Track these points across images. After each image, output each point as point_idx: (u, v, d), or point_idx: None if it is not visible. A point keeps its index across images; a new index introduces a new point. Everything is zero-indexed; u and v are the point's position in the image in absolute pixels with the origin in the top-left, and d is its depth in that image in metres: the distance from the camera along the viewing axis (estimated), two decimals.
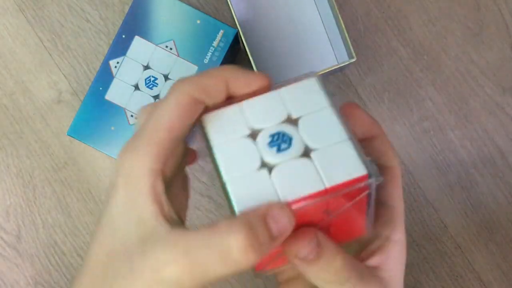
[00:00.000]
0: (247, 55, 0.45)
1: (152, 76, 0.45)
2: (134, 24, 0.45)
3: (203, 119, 0.24)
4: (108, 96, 0.45)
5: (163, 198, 0.23)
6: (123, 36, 0.45)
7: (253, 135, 0.24)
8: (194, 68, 0.45)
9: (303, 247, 0.23)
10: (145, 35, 0.45)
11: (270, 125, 0.24)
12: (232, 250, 0.20)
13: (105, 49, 0.52)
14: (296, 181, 0.22)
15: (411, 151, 0.52)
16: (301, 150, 0.23)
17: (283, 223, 0.21)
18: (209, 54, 0.45)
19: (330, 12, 0.49)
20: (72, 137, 0.45)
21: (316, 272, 0.24)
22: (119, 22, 0.52)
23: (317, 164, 0.22)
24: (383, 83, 0.52)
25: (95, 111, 0.45)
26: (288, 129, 0.23)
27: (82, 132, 0.45)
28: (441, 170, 0.53)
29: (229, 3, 0.45)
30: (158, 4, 0.44)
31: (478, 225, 0.53)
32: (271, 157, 0.22)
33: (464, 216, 0.53)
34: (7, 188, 0.53)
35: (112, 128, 0.45)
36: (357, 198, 0.23)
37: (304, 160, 0.22)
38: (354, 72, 0.52)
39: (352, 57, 0.45)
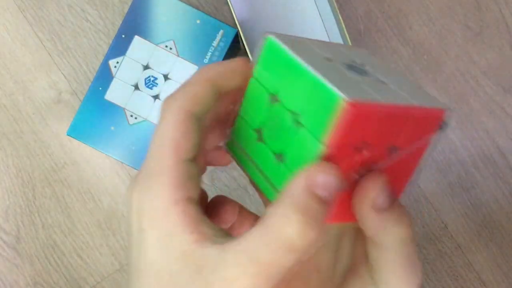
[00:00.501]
0: (247, 55, 0.45)
1: (152, 76, 0.45)
2: (134, 24, 0.45)
3: (271, 38, 0.22)
4: (108, 96, 0.45)
5: (201, 222, 0.21)
6: (123, 36, 0.45)
7: (329, 60, 0.22)
8: (194, 68, 0.45)
9: (378, 195, 0.21)
10: (145, 35, 0.45)
11: (341, 59, 0.22)
12: (293, 240, 0.19)
13: (104, 49, 0.52)
14: (383, 92, 0.20)
15: None
16: (380, 81, 0.22)
17: (332, 185, 0.20)
18: (209, 54, 0.45)
19: (330, 12, 0.49)
20: (71, 137, 0.45)
21: (391, 223, 0.22)
22: (119, 22, 0.52)
23: (403, 95, 0.21)
24: None
25: (95, 111, 0.45)
26: (366, 67, 0.22)
27: (82, 132, 0.45)
28: (441, 170, 0.52)
29: (229, 3, 0.45)
30: (158, 4, 0.44)
31: (478, 225, 0.53)
32: (353, 75, 0.21)
33: (465, 216, 0.53)
34: (7, 188, 0.53)
35: (112, 128, 0.45)
36: (425, 139, 0.22)
37: (391, 86, 0.21)
38: None
39: None
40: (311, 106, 0.19)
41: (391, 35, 0.52)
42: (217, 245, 0.21)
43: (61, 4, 0.52)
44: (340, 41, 0.49)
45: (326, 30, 0.51)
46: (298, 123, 0.20)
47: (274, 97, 0.21)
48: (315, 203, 0.20)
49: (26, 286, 0.53)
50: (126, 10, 0.51)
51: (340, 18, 0.46)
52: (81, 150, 0.52)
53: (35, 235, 0.53)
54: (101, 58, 0.52)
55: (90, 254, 0.53)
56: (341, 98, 0.18)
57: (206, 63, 0.45)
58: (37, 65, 0.52)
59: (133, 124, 0.45)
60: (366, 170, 0.21)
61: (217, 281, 0.20)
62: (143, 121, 0.45)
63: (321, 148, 0.19)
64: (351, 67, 0.21)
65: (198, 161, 0.23)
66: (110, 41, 0.51)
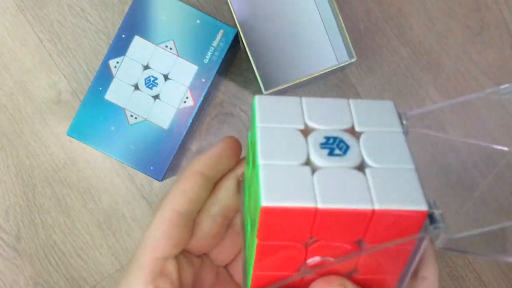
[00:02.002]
0: (247, 55, 0.45)
1: (152, 76, 0.45)
2: (134, 24, 0.45)
3: (256, 98, 0.22)
4: (108, 96, 0.45)
5: None
6: (123, 36, 0.45)
7: (305, 132, 0.21)
8: (194, 68, 0.45)
9: None
10: (145, 35, 0.45)
11: (328, 128, 0.21)
12: None
13: (104, 49, 0.52)
14: (341, 191, 0.19)
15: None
16: (356, 162, 0.20)
17: None
18: (209, 54, 0.45)
19: (330, 12, 0.49)
20: (71, 137, 0.45)
21: None
22: (118, 22, 0.52)
23: (371, 181, 0.19)
24: (383, 83, 0.52)
25: (95, 111, 0.45)
26: (348, 138, 0.21)
27: (82, 132, 0.45)
28: (441, 169, 0.52)
29: (229, 3, 0.45)
30: (158, 4, 0.44)
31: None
32: (319, 158, 0.20)
33: (465, 216, 0.53)
34: (7, 188, 0.53)
35: (112, 128, 0.45)
36: (402, 240, 0.20)
37: (356, 172, 0.20)
38: (354, 72, 0.52)
39: (352, 57, 0.45)
40: (256, 199, 0.20)
41: (391, 35, 0.52)
42: None
43: (61, 4, 0.52)
44: (340, 41, 0.49)
45: (326, 30, 0.51)
46: (254, 175, 0.20)
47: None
48: None
49: (26, 286, 0.53)
50: (126, 10, 0.51)
51: (340, 18, 0.46)
52: (81, 150, 0.52)
53: (35, 235, 0.53)
54: (101, 58, 0.52)
55: (90, 254, 0.53)
56: (262, 202, 0.18)
57: (206, 63, 0.45)
58: (37, 65, 0.52)
59: (133, 124, 0.45)
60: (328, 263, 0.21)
61: None
62: (143, 121, 0.45)
63: (257, 242, 0.20)
64: (331, 142, 0.20)
65: (187, 254, 0.24)
66: (110, 41, 0.50)
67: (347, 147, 0.20)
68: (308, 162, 0.20)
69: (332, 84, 0.52)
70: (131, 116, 0.45)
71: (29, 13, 0.52)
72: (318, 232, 0.19)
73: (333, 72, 0.47)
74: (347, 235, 0.20)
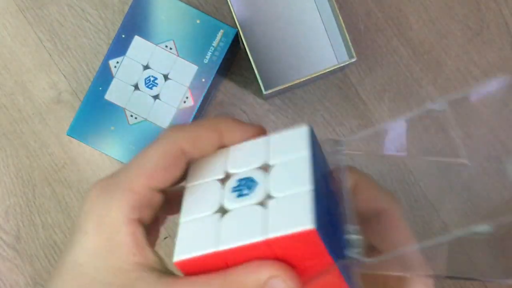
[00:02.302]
0: (247, 55, 0.45)
1: (152, 76, 0.45)
2: (134, 24, 0.45)
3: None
4: (108, 96, 0.45)
5: (147, 248, 0.22)
6: (123, 36, 0.45)
7: (226, 179, 0.22)
8: (194, 68, 0.45)
9: None
10: (144, 35, 0.45)
11: (244, 170, 0.22)
12: None
13: (104, 49, 0.52)
14: (240, 229, 0.20)
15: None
16: (261, 197, 0.21)
17: None
18: (209, 54, 0.45)
19: (330, 12, 0.49)
20: (71, 137, 0.45)
21: None
22: (118, 22, 0.52)
23: (270, 213, 0.20)
24: (383, 83, 0.52)
25: (95, 111, 0.45)
26: (258, 175, 0.22)
27: (82, 132, 0.45)
28: (441, 169, 0.52)
29: (229, 3, 0.45)
30: (157, 4, 0.44)
31: None
32: (229, 202, 0.21)
33: (465, 216, 0.53)
34: (7, 188, 0.53)
35: (112, 128, 0.45)
36: (319, 274, 0.21)
37: (257, 207, 0.20)
38: (354, 72, 0.52)
39: (352, 57, 0.45)
40: None
41: (391, 35, 0.52)
42: (156, 273, 0.21)
43: (61, 4, 0.52)
44: (340, 41, 0.49)
45: (326, 30, 0.51)
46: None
47: None
48: None
49: (26, 286, 0.53)
50: (126, 10, 0.51)
51: (340, 18, 0.46)
52: (81, 150, 0.52)
53: (35, 235, 0.53)
54: (101, 58, 0.52)
55: None
56: (174, 259, 0.20)
57: (206, 63, 0.45)
58: (37, 65, 0.52)
59: (133, 124, 0.45)
60: None
61: None
62: (143, 121, 0.45)
63: None
64: (242, 184, 0.22)
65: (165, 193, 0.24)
66: (110, 41, 0.50)
67: (255, 185, 0.21)
68: (221, 209, 0.21)
69: (332, 84, 0.52)
70: (131, 116, 0.45)
71: (29, 13, 0.52)
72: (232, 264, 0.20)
73: (333, 72, 0.47)
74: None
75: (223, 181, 0.22)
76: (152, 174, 0.22)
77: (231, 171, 0.23)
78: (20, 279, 0.53)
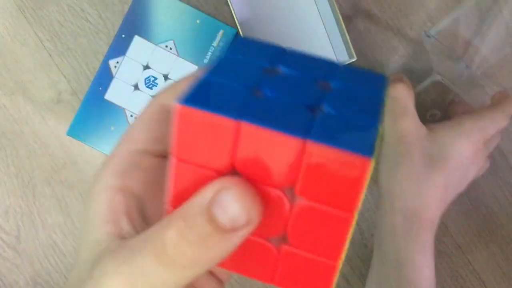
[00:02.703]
0: None
1: (152, 76, 0.45)
2: (134, 24, 0.45)
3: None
4: (108, 96, 0.45)
5: (123, 216, 0.19)
6: (123, 36, 0.45)
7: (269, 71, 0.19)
8: (194, 68, 0.45)
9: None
10: (144, 35, 0.45)
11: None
12: (166, 247, 0.16)
13: (104, 49, 0.52)
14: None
15: None
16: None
17: (235, 213, 0.16)
18: (209, 54, 0.44)
19: (330, 11, 0.49)
20: (71, 137, 0.45)
21: None
22: (118, 22, 0.52)
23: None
24: None
25: (95, 111, 0.45)
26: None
27: (82, 132, 0.45)
28: None
29: (229, 3, 0.45)
30: (157, 4, 0.44)
31: (478, 225, 0.53)
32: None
33: (465, 216, 0.53)
34: (7, 189, 0.53)
35: (112, 128, 0.45)
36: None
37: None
38: None
39: (352, 57, 0.45)
40: None
41: (391, 35, 0.52)
42: (123, 242, 0.18)
43: (61, 4, 0.52)
44: (340, 41, 0.49)
45: (326, 30, 0.51)
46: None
47: None
48: (205, 224, 0.16)
49: (26, 286, 0.53)
50: (126, 10, 0.51)
51: (340, 18, 0.46)
52: (81, 150, 0.52)
53: (35, 235, 0.53)
54: (101, 58, 0.52)
55: None
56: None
57: (206, 63, 0.45)
58: (37, 65, 0.52)
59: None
60: None
61: (95, 276, 0.18)
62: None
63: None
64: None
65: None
66: (110, 41, 0.50)
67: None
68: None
69: None
70: (131, 116, 0.45)
71: (29, 13, 0.52)
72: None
73: None
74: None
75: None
76: (132, 137, 0.21)
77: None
78: (20, 279, 0.53)
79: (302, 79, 0.18)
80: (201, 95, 0.16)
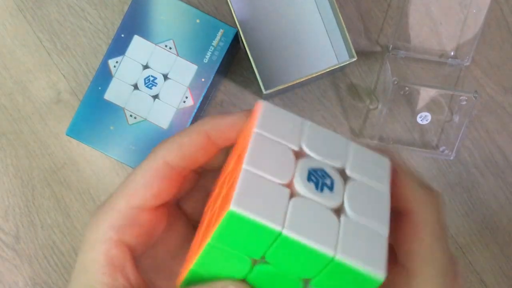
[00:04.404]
0: (247, 55, 0.45)
1: (152, 76, 0.45)
2: (133, 24, 0.44)
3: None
4: (107, 96, 0.45)
5: (120, 268, 0.21)
6: (122, 35, 0.45)
7: (298, 154, 0.20)
8: (193, 68, 0.44)
9: None
10: (144, 35, 0.45)
11: (319, 158, 0.21)
12: None
13: (104, 48, 0.52)
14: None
15: (412, 151, 0.52)
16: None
17: None
18: (209, 53, 0.44)
19: (331, 11, 0.49)
20: (71, 137, 0.45)
21: None
22: (118, 22, 0.52)
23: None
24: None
25: (94, 111, 0.45)
26: (335, 177, 0.20)
27: (81, 132, 0.45)
28: (442, 170, 0.52)
29: (229, 2, 0.45)
30: (157, 3, 0.44)
31: (479, 225, 0.53)
32: (300, 186, 0.19)
33: (465, 217, 0.53)
34: (6, 189, 0.52)
35: (111, 128, 0.45)
36: None
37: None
38: (354, 72, 0.52)
39: (352, 57, 0.45)
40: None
41: (391, 35, 0.52)
42: None
43: (60, 4, 0.52)
44: (341, 40, 0.49)
45: (326, 30, 0.51)
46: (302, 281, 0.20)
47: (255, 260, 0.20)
48: None
49: (25, 286, 0.53)
50: (125, 9, 0.51)
51: (341, 18, 0.45)
52: (81, 150, 0.52)
53: (34, 235, 0.52)
54: (100, 57, 0.52)
55: None
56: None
57: (206, 63, 0.45)
58: (37, 65, 0.52)
59: (133, 124, 0.45)
60: None
61: None
62: (143, 121, 0.45)
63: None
64: (315, 174, 0.20)
65: (161, 211, 0.23)
66: (110, 41, 0.50)
67: (332, 187, 0.20)
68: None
69: (332, 84, 0.52)
70: (131, 116, 0.45)
71: (29, 13, 0.52)
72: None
73: (333, 72, 0.47)
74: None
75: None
76: (132, 192, 0.22)
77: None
78: (19, 279, 0.52)
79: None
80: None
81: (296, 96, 0.52)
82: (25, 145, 0.52)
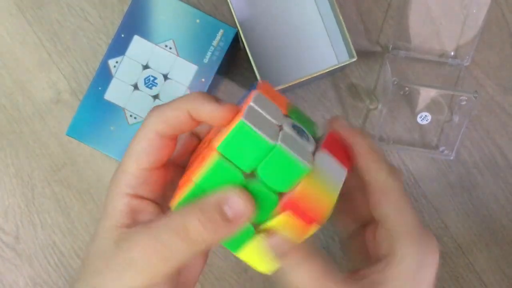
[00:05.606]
0: (247, 55, 0.45)
1: (152, 76, 0.45)
2: (133, 24, 0.44)
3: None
4: (107, 96, 0.45)
5: (139, 212, 0.27)
6: (122, 35, 0.45)
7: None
8: (194, 68, 0.45)
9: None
10: (144, 35, 0.45)
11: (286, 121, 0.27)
12: (189, 230, 0.24)
13: (104, 48, 0.52)
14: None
15: (412, 151, 0.52)
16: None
17: (238, 209, 0.24)
18: (209, 53, 0.44)
19: (331, 11, 0.49)
20: (71, 137, 0.45)
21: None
22: (118, 22, 0.52)
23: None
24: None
25: (94, 111, 0.45)
26: (309, 136, 0.28)
27: (81, 132, 0.45)
28: (442, 170, 0.52)
29: (229, 2, 0.45)
30: (157, 4, 0.44)
31: (479, 225, 0.53)
32: (289, 130, 0.26)
33: (465, 217, 0.53)
34: (6, 189, 0.52)
35: (111, 128, 0.45)
36: None
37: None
38: (354, 72, 0.52)
39: (353, 57, 0.45)
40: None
41: (391, 35, 0.52)
42: (147, 223, 0.25)
43: (60, 4, 0.52)
44: (341, 40, 0.49)
45: (326, 30, 0.51)
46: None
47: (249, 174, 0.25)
48: (217, 216, 0.24)
49: (25, 286, 0.53)
50: (125, 9, 0.50)
51: (341, 18, 0.45)
52: (81, 150, 0.52)
53: (34, 235, 0.52)
54: (100, 57, 0.52)
55: None
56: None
57: (206, 63, 0.45)
58: (37, 65, 0.52)
59: (133, 124, 0.45)
60: None
61: (124, 247, 0.25)
62: (143, 121, 0.45)
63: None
64: (293, 127, 0.27)
65: (161, 170, 0.28)
66: (110, 41, 0.50)
67: (308, 139, 0.27)
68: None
69: (332, 84, 0.52)
70: (131, 116, 0.45)
71: (29, 13, 0.52)
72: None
73: (333, 72, 0.47)
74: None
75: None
76: (137, 158, 0.27)
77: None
78: (19, 279, 0.52)
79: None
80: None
81: (296, 96, 0.52)
82: (25, 145, 0.52)
